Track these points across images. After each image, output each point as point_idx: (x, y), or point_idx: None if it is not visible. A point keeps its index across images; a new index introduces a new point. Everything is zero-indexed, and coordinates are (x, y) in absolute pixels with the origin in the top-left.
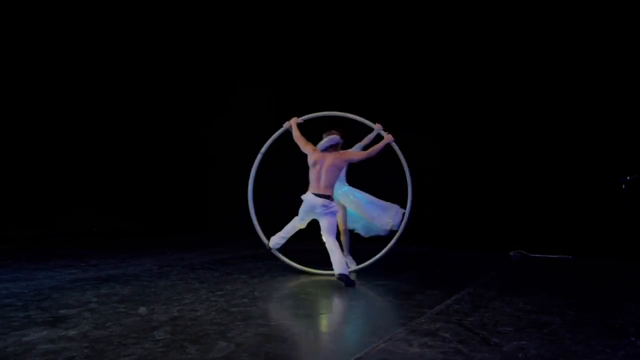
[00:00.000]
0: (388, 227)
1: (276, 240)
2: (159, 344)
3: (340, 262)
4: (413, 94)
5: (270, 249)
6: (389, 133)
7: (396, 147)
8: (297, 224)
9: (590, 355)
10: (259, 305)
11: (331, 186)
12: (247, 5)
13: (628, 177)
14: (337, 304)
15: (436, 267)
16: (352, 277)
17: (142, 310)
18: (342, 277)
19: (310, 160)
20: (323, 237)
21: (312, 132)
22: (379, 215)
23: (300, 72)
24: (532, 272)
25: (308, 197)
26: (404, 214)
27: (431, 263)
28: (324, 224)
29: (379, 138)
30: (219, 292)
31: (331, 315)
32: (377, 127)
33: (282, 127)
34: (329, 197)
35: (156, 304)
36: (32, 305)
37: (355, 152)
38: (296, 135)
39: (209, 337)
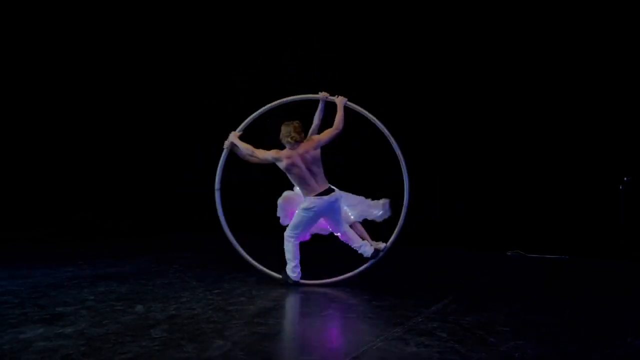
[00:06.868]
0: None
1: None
2: (155, 342)
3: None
4: (412, 94)
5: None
6: (338, 96)
7: (356, 107)
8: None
9: (587, 355)
10: (256, 304)
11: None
12: (247, 5)
13: (626, 178)
14: (334, 303)
15: (433, 266)
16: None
17: (139, 308)
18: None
19: (282, 165)
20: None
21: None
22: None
23: (300, 72)
24: (529, 272)
25: (317, 201)
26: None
27: (428, 262)
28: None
29: (329, 109)
30: (216, 291)
31: (328, 314)
32: (322, 96)
33: (223, 150)
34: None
35: (153, 302)
36: (28, 303)
37: (322, 135)
38: (244, 148)
39: (206, 336)
